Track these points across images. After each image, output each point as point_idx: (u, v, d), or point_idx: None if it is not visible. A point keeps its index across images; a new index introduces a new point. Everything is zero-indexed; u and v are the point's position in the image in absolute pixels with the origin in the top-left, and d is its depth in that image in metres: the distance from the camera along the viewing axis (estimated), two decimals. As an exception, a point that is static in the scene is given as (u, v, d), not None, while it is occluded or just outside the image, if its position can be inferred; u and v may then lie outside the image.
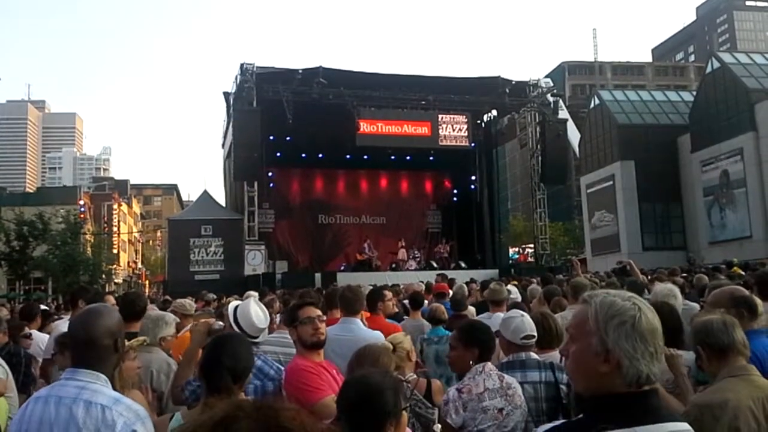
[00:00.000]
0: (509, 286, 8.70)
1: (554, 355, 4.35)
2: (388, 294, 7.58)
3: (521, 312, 4.52)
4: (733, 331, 3.02)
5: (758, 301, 4.06)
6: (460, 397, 3.68)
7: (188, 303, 6.88)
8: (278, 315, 6.48)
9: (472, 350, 3.88)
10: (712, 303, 4.00)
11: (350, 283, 10.60)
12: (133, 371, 3.77)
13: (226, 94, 32.44)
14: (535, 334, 4.18)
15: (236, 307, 4.11)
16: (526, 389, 3.92)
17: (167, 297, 14.84)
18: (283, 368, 4.03)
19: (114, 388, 2.64)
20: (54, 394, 2.53)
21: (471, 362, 3.86)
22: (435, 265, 29.25)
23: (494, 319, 6.11)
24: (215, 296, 13.87)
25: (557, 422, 1.92)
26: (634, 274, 8.97)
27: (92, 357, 2.58)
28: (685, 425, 1.74)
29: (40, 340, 6.27)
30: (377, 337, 4.74)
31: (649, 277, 10.25)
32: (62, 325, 6.52)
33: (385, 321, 6.09)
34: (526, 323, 4.19)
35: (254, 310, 4.13)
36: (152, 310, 5.91)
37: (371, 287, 7.70)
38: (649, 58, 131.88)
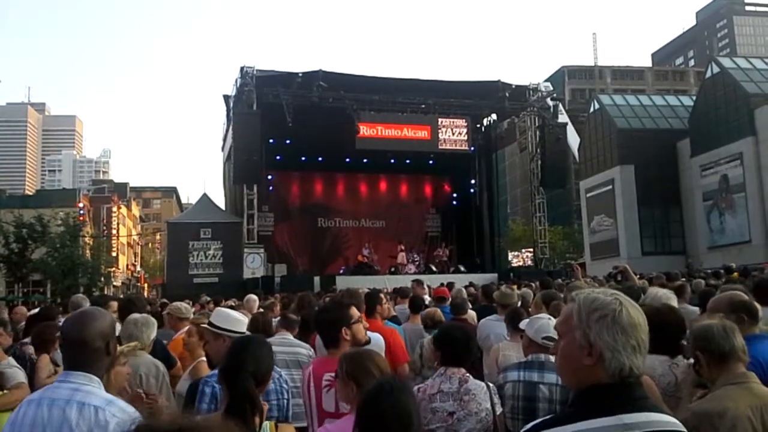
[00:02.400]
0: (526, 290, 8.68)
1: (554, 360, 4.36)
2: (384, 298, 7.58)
3: (548, 315, 4.56)
4: (734, 337, 2.97)
5: (758, 306, 4.04)
6: (417, 396, 3.73)
7: (184, 306, 6.87)
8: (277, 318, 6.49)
9: (436, 352, 4.01)
10: (711, 309, 3.98)
11: (349, 286, 10.58)
12: (124, 377, 3.77)
13: (226, 97, 32.46)
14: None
15: (209, 322, 4.17)
16: (541, 390, 3.96)
17: (164, 300, 14.82)
18: (279, 369, 4.02)
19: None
20: (47, 396, 2.53)
21: (436, 363, 3.96)
22: (434, 269, 29.25)
23: (502, 323, 6.14)
24: (209, 298, 13.83)
25: (548, 416, 1.94)
26: (630, 279, 8.96)
27: (85, 359, 2.58)
28: (671, 418, 1.77)
29: None
30: (377, 339, 4.74)
31: (646, 281, 10.22)
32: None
33: (383, 324, 6.09)
34: (552, 326, 4.21)
35: (227, 311, 4.22)
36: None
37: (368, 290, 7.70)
38: (648, 63, 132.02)
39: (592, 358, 1.75)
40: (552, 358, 4.12)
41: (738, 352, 2.94)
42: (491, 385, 3.95)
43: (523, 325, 4.45)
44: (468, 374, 3.88)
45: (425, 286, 11.83)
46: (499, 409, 3.80)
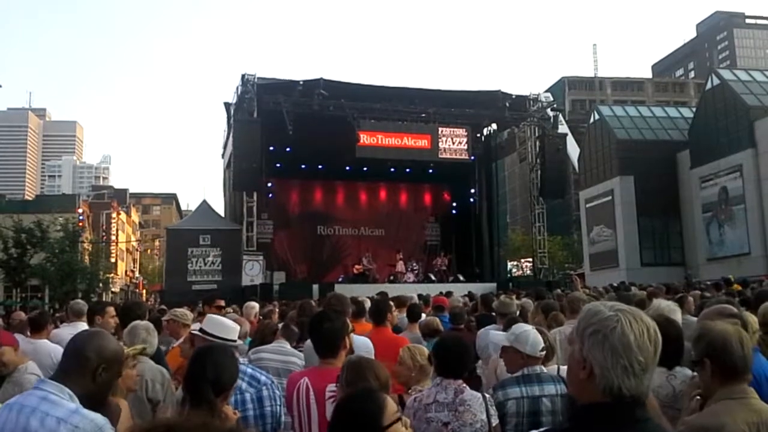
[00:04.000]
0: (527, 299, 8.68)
1: (552, 369, 4.36)
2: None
3: (530, 326, 4.55)
4: (748, 352, 2.87)
5: (752, 318, 4.04)
6: (413, 405, 3.78)
7: (188, 312, 6.86)
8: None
9: (434, 363, 4.02)
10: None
11: (350, 295, 10.56)
12: (133, 380, 3.76)
13: (227, 105, 32.55)
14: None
15: (200, 328, 4.13)
16: (544, 403, 3.95)
17: (163, 306, 14.78)
18: (271, 376, 4.01)
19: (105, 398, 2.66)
20: (19, 402, 2.58)
21: (434, 374, 3.99)
22: (433, 277, 29.29)
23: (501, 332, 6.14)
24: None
25: (542, 429, 1.94)
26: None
27: (69, 369, 2.63)
28: None
29: (53, 350, 6.14)
30: (365, 343, 4.74)
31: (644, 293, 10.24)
32: (61, 333, 6.46)
33: (392, 333, 6.08)
34: (539, 336, 4.23)
35: (219, 317, 4.18)
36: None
37: (376, 297, 7.73)
38: (649, 74, 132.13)
39: (585, 373, 1.73)
40: (544, 369, 4.15)
41: (747, 369, 2.86)
42: (488, 395, 3.91)
43: (504, 339, 4.41)
44: (464, 385, 3.86)
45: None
46: (495, 421, 3.76)
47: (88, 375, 2.64)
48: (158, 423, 1.19)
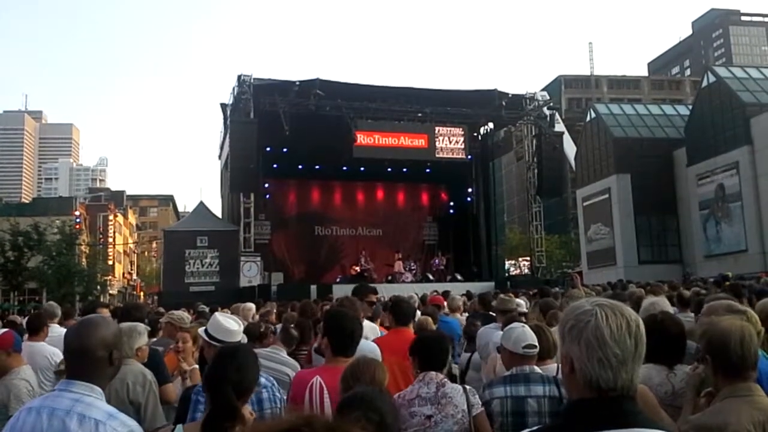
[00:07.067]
0: (520, 299, 8.67)
1: (551, 367, 4.35)
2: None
3: (521, 323, 4.54)
4: (751, 349, 2.82)
5: (752, 314, 4.02)
6: (396, 402, 3.78)
7: (185, 315, 6.81)
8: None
9: (414, 359, 4.02)
10: (707, 315, 3.94)
11: (347, 295, 10.58)
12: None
13: (224, 106, 32.50)
14: (537, 344, 4.19)
15: (205, 329, 4.12)
16: (529, 403, 3.93)
17: (160, 308, 14.73)
18: (272, 378, 3.99)
19: None
20: (47, 405, 2.49)
21: (417, 370, 3.99)
22: (431, 277, 29.25)
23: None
24: (206, 308, 13.70)
25: (534, 428, 1.92)
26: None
27: (87, 369, 2.56)
28: None
29: (50, 352, 6.15)
30: (373, 349, 4.73)
31: (646, 290, 10.23)
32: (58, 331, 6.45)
33: (412, 334, 6.03)
34: (527, 333, 4.20)
35: (221, 318, 4.17)
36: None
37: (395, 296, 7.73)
38: (644, 72, 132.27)
39: (568, 368, 1.75)
40: (536, 368, 4.13)
41: (747, 367, 2.80)
42: (468, 387, 3.96)
43: (499, 338, 4.43)
44: (446, 379, 3.91)
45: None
46: (477, 410, 3.78)
47: (107, 366, 2.61)
48: (282, 423, 1.18)
